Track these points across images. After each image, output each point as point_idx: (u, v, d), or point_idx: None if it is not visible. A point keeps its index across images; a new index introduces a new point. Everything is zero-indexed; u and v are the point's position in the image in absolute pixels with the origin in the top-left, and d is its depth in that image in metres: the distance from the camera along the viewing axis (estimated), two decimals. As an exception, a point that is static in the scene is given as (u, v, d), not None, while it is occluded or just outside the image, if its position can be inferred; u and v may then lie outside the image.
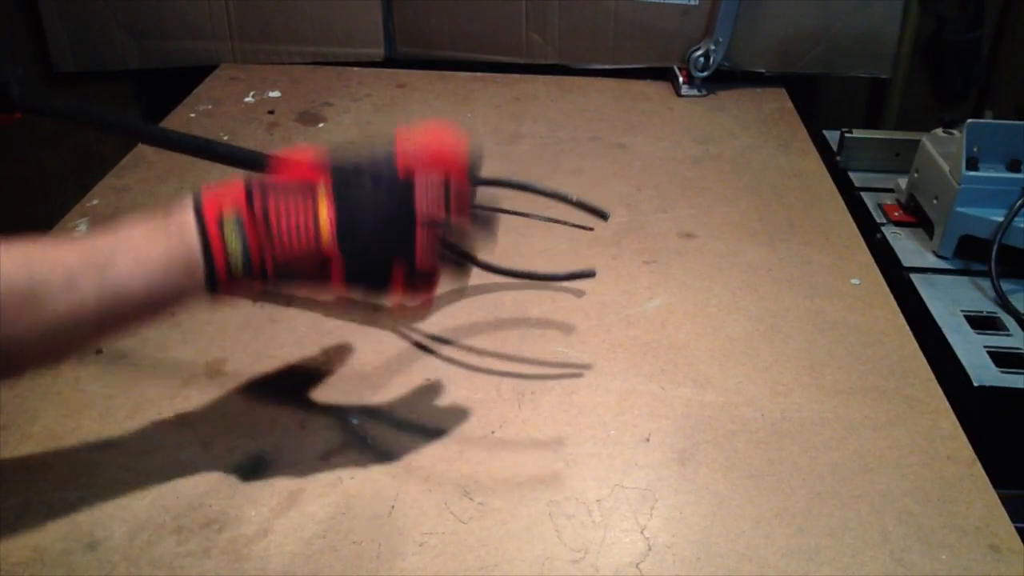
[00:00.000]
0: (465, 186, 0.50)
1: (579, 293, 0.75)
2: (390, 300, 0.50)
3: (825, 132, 1.09)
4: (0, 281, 0.41)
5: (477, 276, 0.69)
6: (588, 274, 0.65)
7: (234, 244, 0.45)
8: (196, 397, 0.62)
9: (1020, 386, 0.68)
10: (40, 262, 0.42)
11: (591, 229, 0.66)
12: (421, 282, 0.50)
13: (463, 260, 0.59)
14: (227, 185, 0.47)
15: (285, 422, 0.60)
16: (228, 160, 0.62)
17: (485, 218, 0.53)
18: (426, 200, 0.48)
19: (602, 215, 0.61)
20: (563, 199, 0.62)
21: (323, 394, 0.63)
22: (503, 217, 0.69)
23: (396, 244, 0.48)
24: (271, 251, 0.46)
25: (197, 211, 0.45)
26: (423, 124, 0.50)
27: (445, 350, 0.68)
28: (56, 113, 0.69)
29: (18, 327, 0.41)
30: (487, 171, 0.65)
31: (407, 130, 0.50)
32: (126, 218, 0.46)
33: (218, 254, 0.45)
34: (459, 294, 0.75)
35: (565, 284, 0.76)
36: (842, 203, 0.91)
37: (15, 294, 0.41)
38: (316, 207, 0.46)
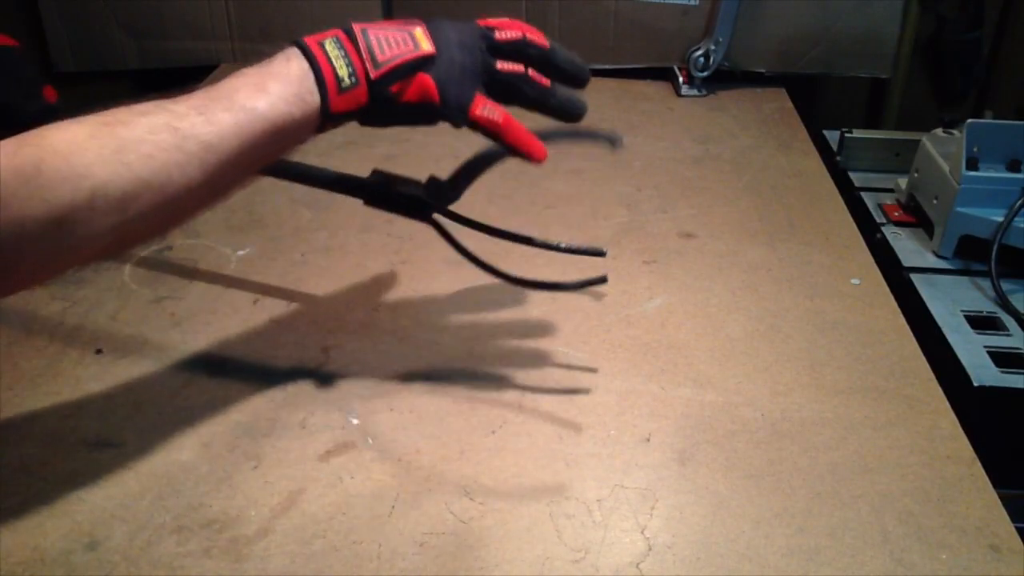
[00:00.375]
0: (545, 48, 0.57)
1: (579, 293, 0.75)
2: (468, 121, 0.56)
3: (825, 132, 1.09)
4: (154, 142, 0.44)
5: (477, 276, 0.69)
6: (600, 252, 0.65)
7: (336, 55, 0.52)
8: (196, 397, 0.62)
9: (1020, 386, 0.68)
10: (176, 117, 0.46)
11: (603, 254, 0.67)
12: (500, 110, 0.56)
13: (482, 268, 0.61)
14: (325, 33, 0.54)
15: (285, 422, 0.60)
16: (322, 183, 0.66)
17: (572, 71, 0.58)
18: (504, 44, 0.56)
19: (598, 253, 0.65)
20: (554, 248, 0.64)
21: (323, 394, 0.63)
22: (500, 207, 0.69)
23: (478, 74, 0.55)
24: (372, 59, 0.52)
25: (300, 45, 0.52)
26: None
27: (445, 350, 0.68)
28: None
29: (178, 176, 0.45)
30: (488, 172, 0.66)
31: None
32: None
33: (326, 70, 0.51)
34: (460, 294, 0.75)
35: (569, 275, 0.75)
36: (842, 203, 0.91)
37: (167, 150, 0.45)
38: (412, 29, 0.53)
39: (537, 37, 0.57)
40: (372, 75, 0.52)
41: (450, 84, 0.54)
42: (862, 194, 0.97)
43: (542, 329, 0.71)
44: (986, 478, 0.57)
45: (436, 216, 0.66)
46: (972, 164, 0.81)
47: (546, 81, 0.57)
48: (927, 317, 0.76)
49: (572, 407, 0.63)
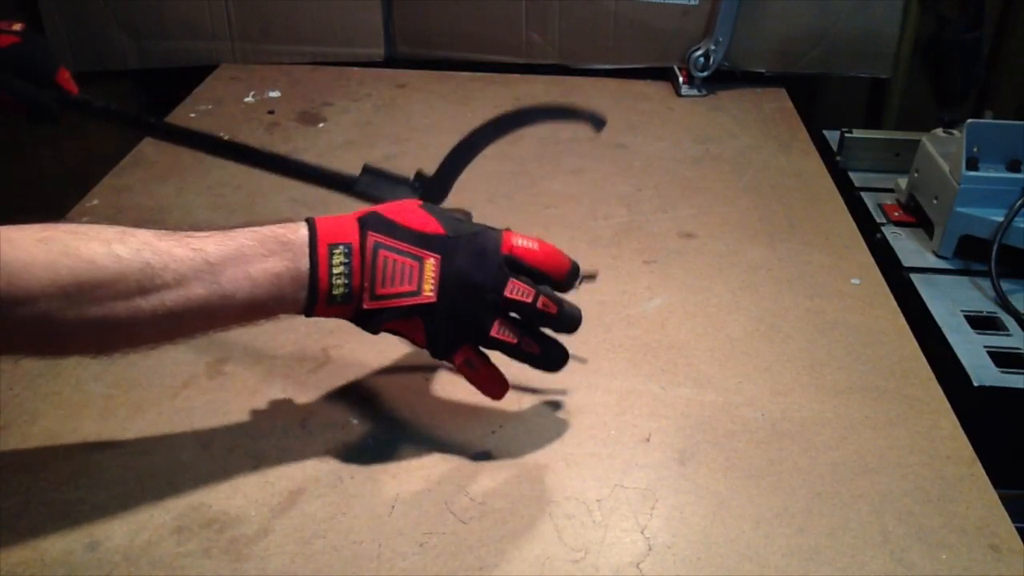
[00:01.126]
0: (552, 314, 0.54)
1: (579, 293, 0.75)
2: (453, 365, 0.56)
3: (825, 132, 1.09)
4: (118, 265, 0.45)
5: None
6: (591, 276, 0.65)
7: (339, 270, 0.50)
8: (196, 397, 0.62)
9: (1020, 386, 0.68)
10: (157, 256, 0.46)
11: (594, 277, 0.66)
12: (479, 363, 0.56)
13: None
14: (344, 217, 0.51)
15: (285, 422, 0.60)
16: (318, 181, 0.67)
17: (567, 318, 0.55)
18: (516, 286, 0.53)
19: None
20: None
21: (323, 394, 0.63)
22: (500, 207, 0.69)
23: (475, 322, 0.53)
24: (371, 289, 0.51)
25: (312, 236, 0.50)
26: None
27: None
28: (103, 115, 0.73)
29: (126, 309, 0.45)
30: (488, 172, 0.66)
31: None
32: (241, 229, 0.50)
33: (323, 278, 0.50)
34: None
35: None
36: (842, 203, 0.91)
37: (128, 279, 0.45)
38: (423, 265, 0.51)
39: (555, 269, 0.54)
40: (365, 305, 0.51)
41: (439, 336, 0.53)
42: (862, 194, 0.97)
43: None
44: (986, 478, 0.57)
45: None
46: (972, 164, 0.81)
47: (536, 348, 0.55)
48: (927, 317, 0.76)
49: (572, 407, 0.63)
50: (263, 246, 0.49)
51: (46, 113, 0.74)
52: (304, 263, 0.49)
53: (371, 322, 0.53)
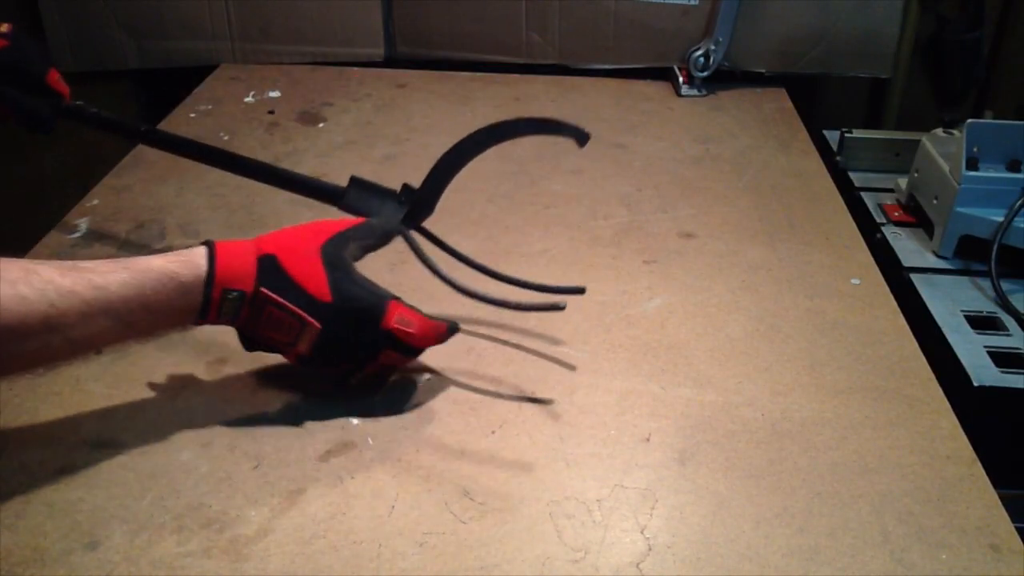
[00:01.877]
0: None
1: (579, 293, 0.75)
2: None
3: (825, 132, 1.09)
4: (24, 307, 0.47)
5: (477, 276, 0.69)
6: (558, 307, 0.65)
7: (228, 308, 0.54)
8: (196, 397, 0.62)
9: (1020, 386, 0.68)
10: (61, 296, 0.48)
11: (582, 291, 0.68)
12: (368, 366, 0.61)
13: (442, 280, 0.65)
14: (246, 253, 0.54)
15: (285, 422, 0.60)
16: (307, 192, 0.67)
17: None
18: (390, 355, 0.59)
19: (556, 308, 0.65)
20: (528, 287, 0.65)
21: (323, 394, 0.63)
22: (500, 207, 0.69)
23: (350, 364, 0.60)
24: (253, 327, 0.56)
25: (209, 276, 0.53)
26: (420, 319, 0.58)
27: (445, 350, 0.68)
28: (97, 123, 0.73)
29: (35, 345, 0.48)
30: (488, 172, 0.66)
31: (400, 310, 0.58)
32: (144, 260, 0.52)
33: (212, 315, 0.54)
34: (459, 294, 0.75)
35: (569, 275, 0.75)
36: (842, 203, 0.91)
37: (36, 319, 0.47)
38: (304, 327, 0.55)
39: (427, 344, 0.60)
40: (247, 332, 0.57)
41: (310, 366, 0.59)
42: (862, 194, 0.97)
43: (542, 329, 0.71)
44: (986, 478, 0.57)
45: (412, 232, 0.67)
46: (972, 164, 0.81)
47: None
48: (927, 317, 0.76)
49: (572, 407, 0.63)
50: (162, 285, 0.52)
51: (40, 122, 0.73)
52: (198, 301, 0.53)
53: (248, 344, 0.59)
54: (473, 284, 0.66)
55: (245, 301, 0.54)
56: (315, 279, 0.55)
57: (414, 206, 0.67)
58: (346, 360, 0.59)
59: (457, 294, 0.65)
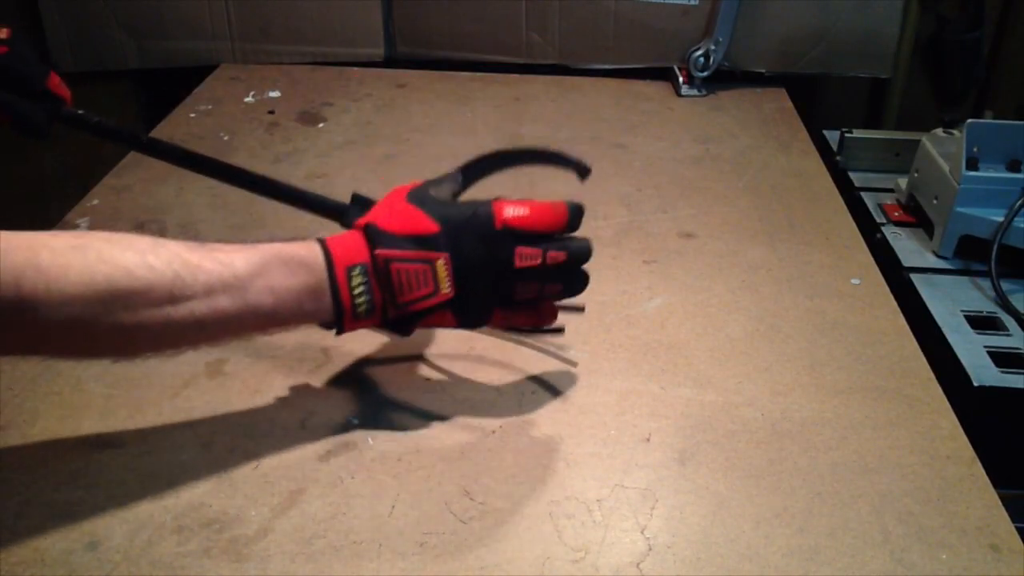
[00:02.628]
0: (561, 262, 0.56)
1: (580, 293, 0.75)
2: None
3: (825, 132, 1.09)
4: (151, 275, 0.46)
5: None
6: (558, 331, 0.65)
7: (359, 290, 0.52)
8: (196, 397, 0.62)
9: (1020, 386, 0.68)
10: (187, 268, 0.48)
11: (582, 310, 0.66)
12: (520, 312, 0.59)
13: None
14: (349, 234, 0.53)
15: (285, 422, 0.60)
16: (310, 207, 0.66)
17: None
18: (522, 253, 0.55)
19: (577, 310, 0.65)
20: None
21: (323, 394, 0.63)
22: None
23: (497, 291, 0.56)
24: (392, 300, 0.53)
25: (328, 259, 0.52)
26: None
27: (445, 350, 0.68)
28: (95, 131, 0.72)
29: (158, 318, 0.47)
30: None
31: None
32: (265, 245, 0.51)
33: (346, 301, 0.52)
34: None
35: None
36: (842, 203, 0.91)
37: (160, 289, 0.47)
38: (435, 266, 0.53)
39: (551, 225, 0.55)
40: (391, 314, 0.54)
41: (468, 316, 0.57)
42: (862, 194, 0.97)
43: (539, 332, 0.71)
44: (986, 478, 0.57)
45: None
46: (972, 164, 0.81)
47: (558, 286, 0.58)
48: (927, 317, 0.76)
49: (572, 407, 0.63)
50: (286, 264, 0.51)
51: (34, 128, 0.72)
52: (324, 284, 0.51)
53: (400, 327, 0.55)
54: None
55: (369, 271, 0.52)
56: (415, 220, 0.53)
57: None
58: (490, 279, 0.54)
59: None
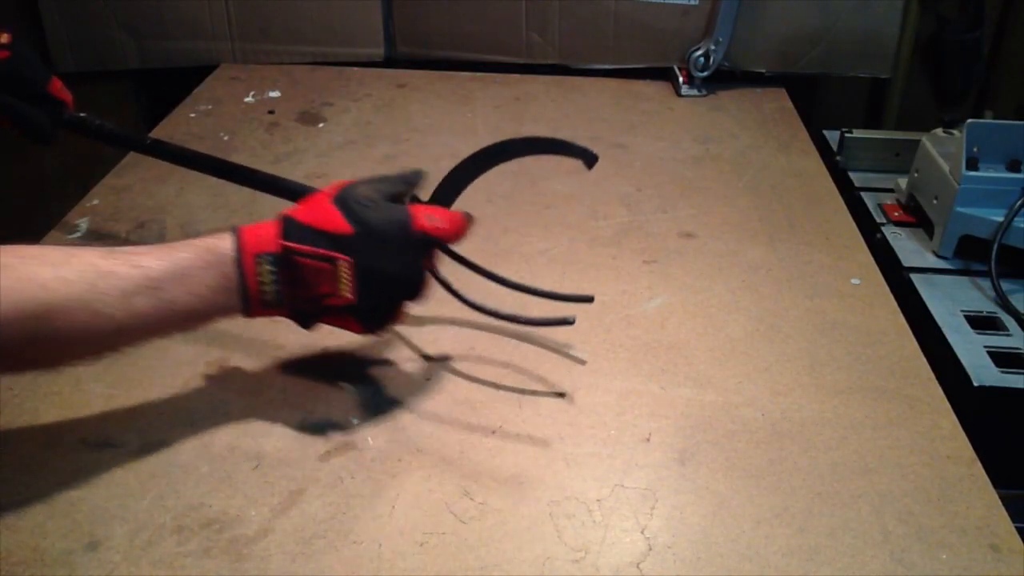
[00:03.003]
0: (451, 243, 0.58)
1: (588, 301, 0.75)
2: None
3: (825, 132, 1.09)
4: (67, 288, 0.47)
5: (476, 277, 0.69)
6: (567, 321, 0.64)
7: (268, 278, 0.53)
8: (196, 397, 0.62)
9: (1020, 386, 0.68)
10: (102, 277, 0.49)
11: (591, 300, 0.66)
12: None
13: (456, 297, 0.64)
14: (267, 223, 0.54)
15: (285, 422, 0.60)
16: (274, 190, 0.66)
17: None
18: (430, 257, 0.58)
19: (585, 300, 0.65)
20: (538, 294, 0.64)
21: (323, 394, 0.63)
22: (500, 207, 0.69)
23: (405, 296, 0.57)
24: (296, 291, 0.54)
25: (237, 248, 0.53)
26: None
27: (445, 350, 0.68)
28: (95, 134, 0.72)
29: (77, 329, 0.48)
30: (488, 172, 0.66)
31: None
32: (178, 243, 0.53)
33: (253, 288, 0.53)
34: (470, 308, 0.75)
35: (570, 276, 0.75)
36: (842, 203, 0.91)
37: (76, 301, 0.47)
38: (337, 267, 0.53)
39: (460, 237, 0.57)
40: (297, 305, 0.55)
41: (371, 323, 0.58)
42: (862, 194, 0.97)
43: (542, 329, 0.71)
44: (986, 478, 0.57)
45: None
46: (972, 164, 0.81)
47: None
48: (927, 317, 0.76)
49: (572, 407, 0.63)
50: (198, 258, 0.52)
51: (39, 132, 0.72)
52: (233, 276, 0.53)
53: (303, 320, 0.57)
54: (482, 293, 0.65)
55: (278, 260, 0.53)
56: (331, 219, 0.54)
57: (436, 192, 0.66)
58: (395, 288, 0.56)
59: (476, 281, 0.65)
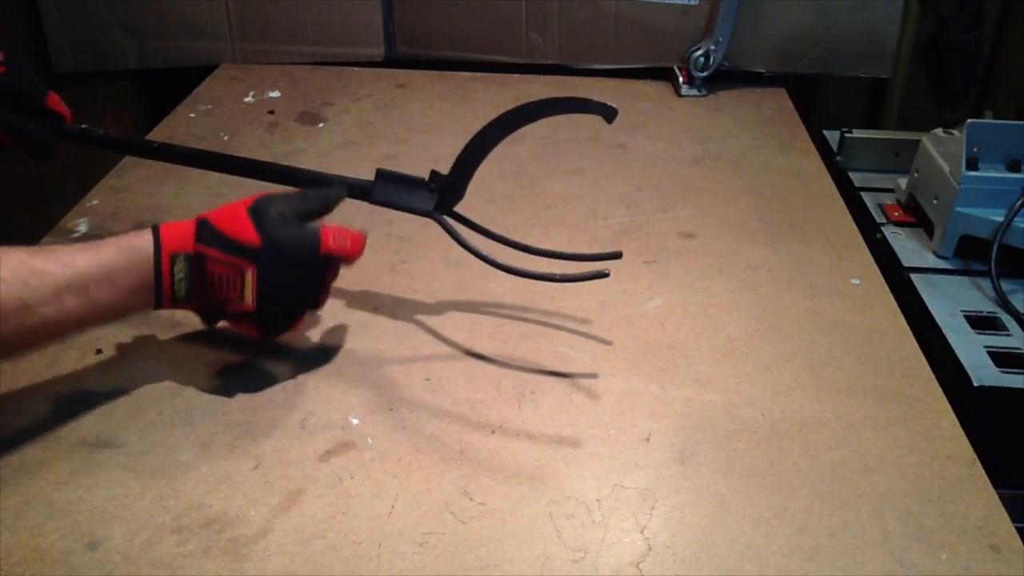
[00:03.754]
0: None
1: (579, 293, 0.75)
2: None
3: (825, 132, 1.09)
4: (1, 287, 0.49)
5: (477, 276, 0.69)
6: (603, 274, 0.65)
7: (180, 276, 0.57)
8: (196, 397, 0.62)
9: (1020, 386, 0.68)
10: (34, 275, 0.51)
11: (619, 256, 0.68)
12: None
13: (483, 261, 0.65)
14: (186, 223, 0.58)
15: (285, 422, 0.60)
16: (276, 178, 0.67)
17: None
18: (332, 272, 0.61)
19: (614, 256, 0.67)
20: (564, 257, 0.65)
21: (323, 394, 0.63)
22: (500, 207, 0.69)
23: (303, 307, 0.62)
24: (201, 293, 0.58)
25: (156, 246, 0.56)
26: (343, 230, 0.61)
27: (445, 350, 0.68)
28: (99, 143, 0.73)
29: (10, 326, 0.50)
30: (488, 172, 0.66)
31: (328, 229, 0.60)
32: (104, 241, 0.55)
33: (166, 284, 0.57)
34: (459, 294, 0.75)
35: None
36: (842, 203, 0.91)
37: (12, 299, 0.50)
38: (243, 275, 0.57)
39: (360, 254, 0.62)
40: (203, 305, 0.59)
41: (269, 329, 0.62)
42: (862, 194, 0.97)
43: (542, 329, 0.71)
44: (986, 478, 0.57)
45: (445, 218, 0.67)
46: (972, 164, 0.81)
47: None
48: (927, 317, 0.76)
49: (572, 407, 0.63)
50: (122, 253, 0.55)
51: (42, 147, 0.72)
52: (150, 270, 0.56)
53: (208, 318, 0.61)
54: (512, 262, 0.67)
55: (190, 262, 0.56)
56: (242, 230, 0.57)
57: (444, 192, 0.67)
58: (295, 301, 0.60)
59: (476, 281, 0.65)
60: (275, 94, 1.14)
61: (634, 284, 0.77)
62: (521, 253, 0.70)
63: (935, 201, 0.85)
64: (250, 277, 0.57)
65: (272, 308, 0.59)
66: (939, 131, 0.90)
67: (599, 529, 0.53)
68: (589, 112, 0.60)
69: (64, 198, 0.90)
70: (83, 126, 0.75)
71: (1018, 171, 0.81)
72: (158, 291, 0.56)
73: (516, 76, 1.21)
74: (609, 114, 0.60)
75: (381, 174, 0.69)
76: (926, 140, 0.89)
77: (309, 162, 0.98)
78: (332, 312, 0.72)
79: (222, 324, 0.62)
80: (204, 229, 0.57)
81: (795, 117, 1.12)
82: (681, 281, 0.78)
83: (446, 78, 1.21)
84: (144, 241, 0.56)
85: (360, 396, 0.63)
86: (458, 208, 0.69)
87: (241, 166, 0.74)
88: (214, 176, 0.91)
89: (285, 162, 0.96)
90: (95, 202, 0.88)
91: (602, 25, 1.18)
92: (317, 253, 0.59)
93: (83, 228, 0.84)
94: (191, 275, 0.57)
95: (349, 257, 0.61)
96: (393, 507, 0.54)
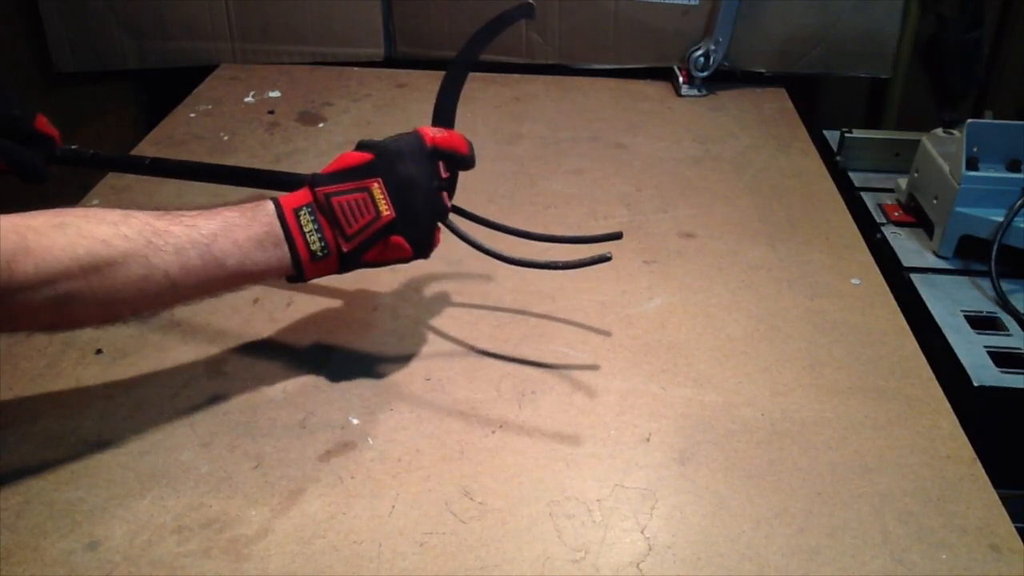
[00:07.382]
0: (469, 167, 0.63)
1: (579, 293, 0.75)
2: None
3: (825, 132, 1.09)
4: (127, 244, 0.50)
5: (477, 276, 0.69)
6: (605, 258, 0.65)
7: (310, 228, 0.56)
8: (196, 397, 0.62)
9: (1020, 386, 0.68)
10: (157, 235, 0.52)
11: (619, 236, 0.67)
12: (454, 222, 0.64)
13: (485, 253, 0.64)
14: (297, 192, 0.58)
15: (285, 422, 0.60)
16: (271, 184, 0.67)
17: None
18: (443, 166, 0.62)
19: (614, 237, 0.66)
20: (565, 240, 0.66)
21: (323, 394, 0.63)
22: (501, 207, 0.69)
23: (431, 208, 0.60)
24: (341, 233, 0.57)
25: (277, 207, 0.56)
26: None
27: (445, 350, 0.68)
28: (88, 163, 0.72)
29: (136, 281, 0.51)
30: (488, 172, 0.66)
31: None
32: (224, 206, 0.56)
33: (299, 241, 0.56)
34: (459, 294, 0.75)
35: (569, 274, 0.75)
36: (842, 203, 0.91)
37: (136, 255, 0.51)
38: (371, 191, 0.57)
39: (462, 149, 0.63)
40: (344, 248, 0.57)
41: (415, 236, 0.60)
42: (862, 194, 0.97)
43: (542, 329, 0.71)
44: (986, 478, 0.57)
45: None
46: (972, 164, 0.81)
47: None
48: (927, 317, 0.76)
49: (572, 407, 0.63)
50: (243, 216, 0.55)
51: (34, 171, 0.72)
52: (278, 228, 0.56)
53: (353, 261, 0.59)
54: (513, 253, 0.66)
55: (315, 210, 0.56)
56: (354, 158, 0.58)
57: (435, 117, 0.68)
58: (425, 199, 0.59)
59: (476, 281, 0.65)
60: (275, 94, 1.14)
61: (634, 284, 0.77)
62: (524, 241, 0.69)
63: (935, 201, 0.85)
64: (378, 188, 0.57)
65: (410, 209, 0.58)
66: (939, 131, 0.90)
67: (599, 529, 0.53)
68: (513, 21, 0.68)
69: (64, 198, 0.90)
70: (73, 147, 0.74)
71: (1018, 171, 0.81)
72: (292, 248, 0.56)
73: (516, 76, 1.21)
74: (526, 11, 0.66)
75: (361, 145, 0.69)
76: (926, 140, 0.89)
77: (309, 162, 0.98)
78: (332, 312, 0.72)
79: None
80: (317, 179, 0.58)
81: (795, 117, 1.12)
82: (681, 281, 0.78)
83: (446, 78, 1.21)
84: (264, 203, 0.57)
85: (360, 396, 0.63)
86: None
87: (238, 176, 0.74)
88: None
89: (285, 162, 0.97)
90: (95, 202, 0.88)
91: (602, 25, 1.18)
92: (425, 144, 0.60)
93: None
94: (320, 224, 0.56)
95: (456, 149, 0.61)
96: (393, 507, 0.54)
